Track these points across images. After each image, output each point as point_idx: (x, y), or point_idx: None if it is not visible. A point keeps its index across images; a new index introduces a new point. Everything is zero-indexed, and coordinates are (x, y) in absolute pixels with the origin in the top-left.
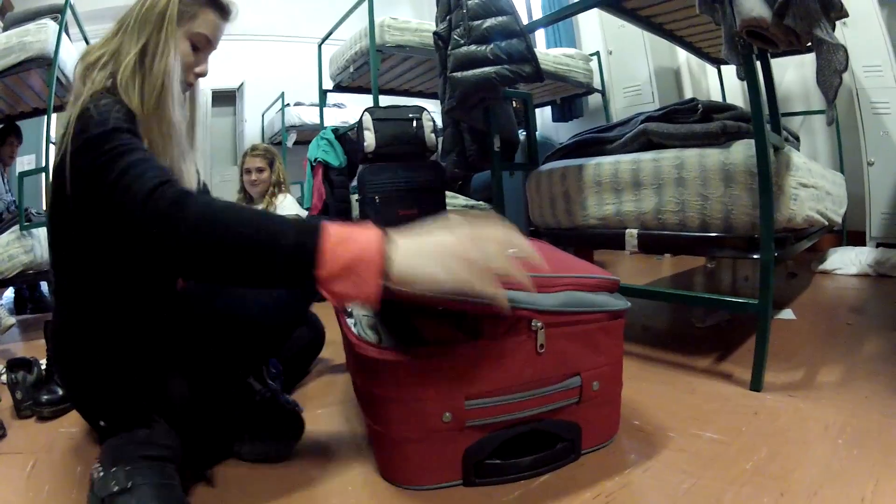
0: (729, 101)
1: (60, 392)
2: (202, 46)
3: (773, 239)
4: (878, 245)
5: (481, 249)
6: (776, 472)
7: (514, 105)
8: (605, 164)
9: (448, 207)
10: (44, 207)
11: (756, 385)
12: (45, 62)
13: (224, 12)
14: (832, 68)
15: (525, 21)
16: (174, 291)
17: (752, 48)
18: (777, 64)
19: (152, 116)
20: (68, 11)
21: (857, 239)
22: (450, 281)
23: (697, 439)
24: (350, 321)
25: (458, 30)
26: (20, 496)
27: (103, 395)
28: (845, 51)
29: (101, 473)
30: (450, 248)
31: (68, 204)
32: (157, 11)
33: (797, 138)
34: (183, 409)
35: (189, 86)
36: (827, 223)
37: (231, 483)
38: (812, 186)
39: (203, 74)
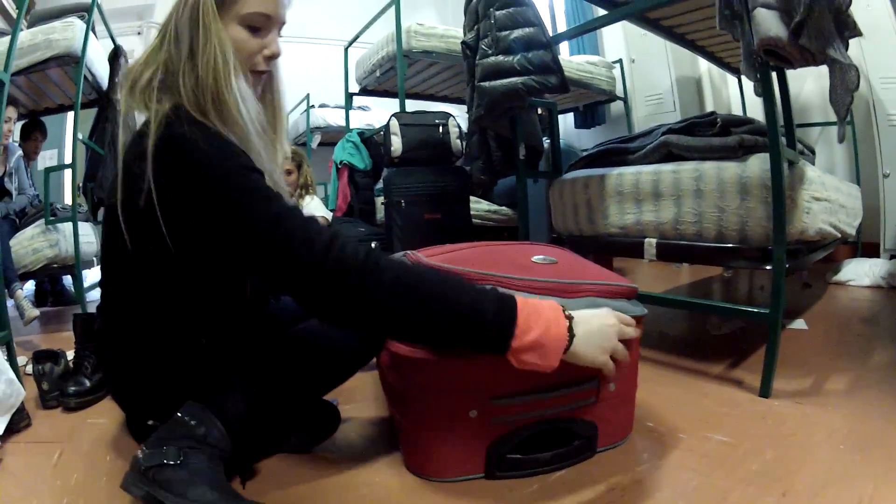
0: (749, 110)
1: (88, 384)
2: (262, 25)
3: (786, 251)
4: (891, 257)
5: (611, 337)
6: (780, 473)
7: (539, 112)
8: (626, 175)
9: (472, 212)
10: (66, 202)
11: (765, 391)
12: (71, 60)
13: None
14: (845, 87)
15: (550, 31)
16: (246, 308)
17: (769, 66)
18: (796, 75)
19: (225, 126)
20: (95, 11)
21: (871, 250)
22: (599, 363)
23: (707, 441)
24: None
25: (485, 40)
26: (47, 485)
27: (156, 402)
28: (857, 70)
29: (149, 450)
30: (603, 336)
31: (145, 223)
32: (190, 6)
33: (813, 151)
34: (238, 426)
35: (261, 73)
36: (840, 235)
37: (267, 472)
38: (825, 200)
39: (275, 55)
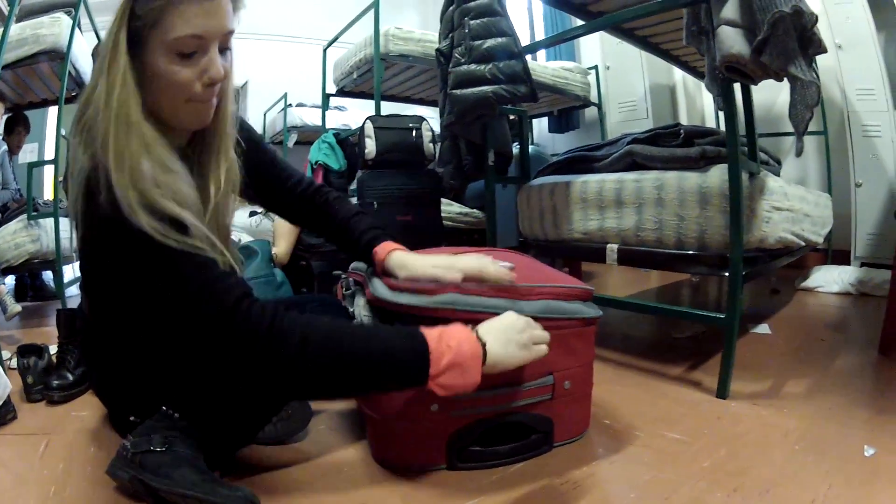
0: (721, 118)
1: (71, 378)
2: (196, 48)
3: (743, 258)
4: (862, 264)
5: (521, 328)
6: (732, 470)
7: (511, 118)
8: (590, 182)
9: (443, 214)
10: (47, 197)
11: (722, 393)
12: (57, 56)
13: None
14: (805, 103)
15: (528, 40)
16: None
17: (730, 82)
18: (770, 86)
19: (130, 178)
20: (81, 6)
21: (841, 258)
22: (518, 361)
23: (662, 438)
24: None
25: (459, 48)
26: (35, 473)
27: (138, 400)
28: (818, 87)
29: (136, 439)
30: (514, 330)
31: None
32: (108, 37)
33: (779, 162)
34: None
35: (202, 103)
36: (804, 244)
37: (241, 462)
38: (787, 209)
39: (215, 80)
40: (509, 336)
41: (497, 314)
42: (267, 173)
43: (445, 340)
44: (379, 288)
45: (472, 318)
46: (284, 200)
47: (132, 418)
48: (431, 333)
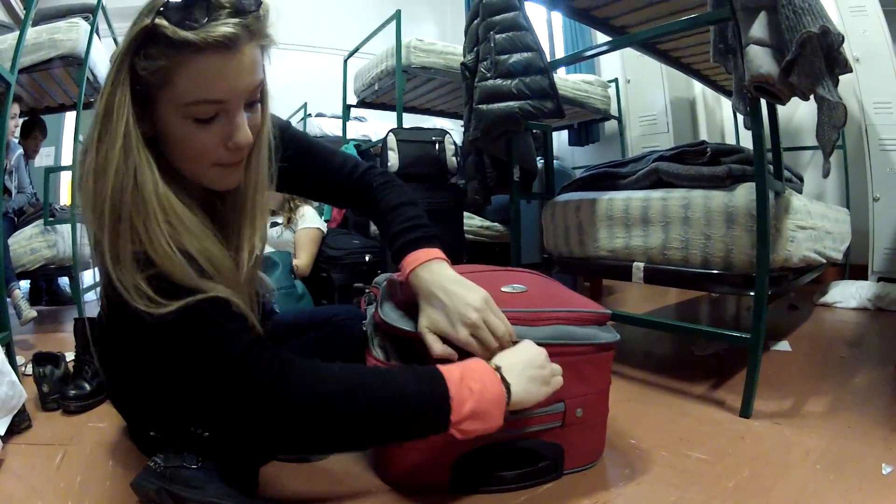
0: (741, 132)
1: (88, 388)
2: (215, 112)
3: (769, 278)
4: (879, 279)
5: (543, 364)
6: (756, 490)
7: (534, 132)
8: (617, 200)
9: (465, 227)
10: (64, 202)
11: (745, 412)
12: (75, 61)
13: (228, 43)
14: (832, 124)
15: (548, 53)
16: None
17: (758, 101)
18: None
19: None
20: (99, 12)
21: (859, 272)
22: (539, 398)
23: (686, 458)
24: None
25: (485, 62)
26: (51, 486)
27: (158, 415)
28: (845, 108)
29: (167, 455)
30: (535, 366)
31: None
32: (101, 99)
33: (801, 179)
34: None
35: (229, 167)
36: (825, 261)
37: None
38: (811, 228)
39: (241, 145)
40: (531, 374)
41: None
42: (311, 170)
43: (467, 383)
44: (389, 312)
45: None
46: (329, 189)
47: (152, 433)
48: (452, 375)
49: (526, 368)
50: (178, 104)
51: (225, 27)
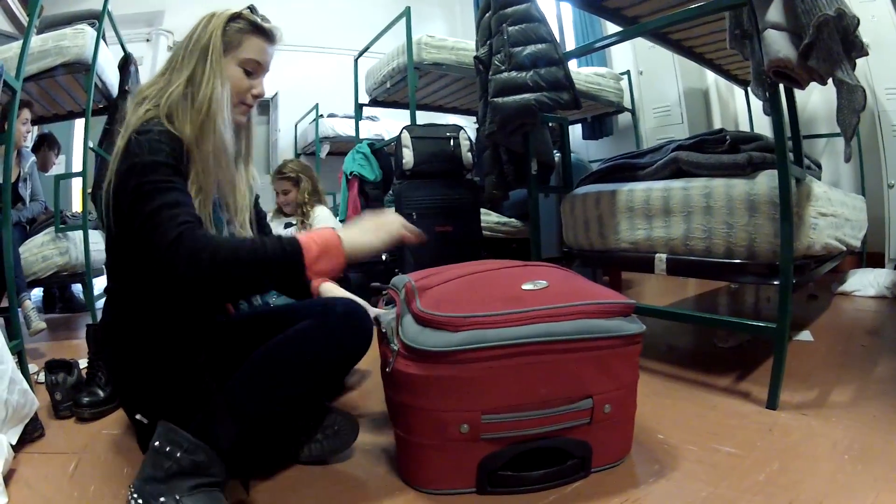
0: (756, 121)
1: (102, 394)
2: (254, 69)
3: (793, 266)
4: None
5: (385, 222)
6: (786, 483)
7: (550, 125)
8: (637, 191)
9: (482, 223)
10: (76, 210)
11: (772, 404)
12: (82, 68)
13: (269, 37)
14: (851, 108)
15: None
16: (222, 313)
17: (777, 87)
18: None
19: (201, 140)
20: (106, 18)
21: (876, 260)
22: (376, 242)
23: (715, 453)
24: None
25: (498, 55)
26: (64, 495)
27: (148, 389)
28: (864, 91)
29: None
30: (369, 226)
31: (119, 219)
32: (201, 45)
33: (819, 166)
34: (234, 449)
35: (248, 107)
36: (845, 249)
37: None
38: (831, 215)
39: (260, 96)
40: (360, 227)
41: (532, 343)
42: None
43: (313, 238)
44: (409, 329)
45: (508, 354)
46: None
47: (138, 416)
48: (303, 237)
49: (359, 225)
50: (239, 57)
51: (273, 28)
